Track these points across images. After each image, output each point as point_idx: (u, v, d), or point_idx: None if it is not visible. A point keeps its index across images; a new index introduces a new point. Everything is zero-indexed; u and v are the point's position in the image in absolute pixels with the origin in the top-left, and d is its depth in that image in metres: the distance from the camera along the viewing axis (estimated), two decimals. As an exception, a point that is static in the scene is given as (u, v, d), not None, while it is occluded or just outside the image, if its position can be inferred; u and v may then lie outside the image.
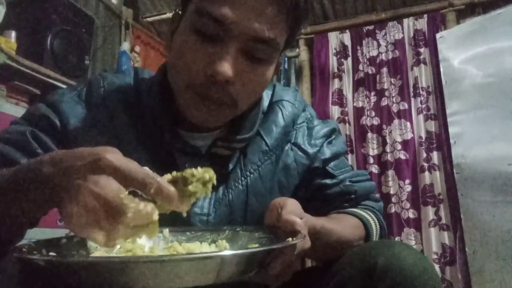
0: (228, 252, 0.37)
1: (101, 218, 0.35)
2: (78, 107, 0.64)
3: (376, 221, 0.70)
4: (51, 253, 0.42)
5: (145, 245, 0.53)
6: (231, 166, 0.64)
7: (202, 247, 0.50)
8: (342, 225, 0.62)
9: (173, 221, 0.60)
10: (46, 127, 0.62)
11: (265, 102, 0.70)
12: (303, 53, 2.99)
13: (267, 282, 0.49)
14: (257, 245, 0.49)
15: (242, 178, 0.65)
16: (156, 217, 0.37)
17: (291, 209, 0.48)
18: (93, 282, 0.36)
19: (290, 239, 0.43)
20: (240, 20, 0.51)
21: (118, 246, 0.51)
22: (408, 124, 2.57)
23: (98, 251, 0.46)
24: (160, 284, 0.35)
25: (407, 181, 2.49)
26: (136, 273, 0.34)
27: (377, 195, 0.77)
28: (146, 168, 0.39)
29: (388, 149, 2.58)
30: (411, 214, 2.44)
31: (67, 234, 0.50)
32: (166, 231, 0.56)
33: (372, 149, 2.66)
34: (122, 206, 0.35)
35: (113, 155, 0.37)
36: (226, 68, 0.52)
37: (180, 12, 0.61)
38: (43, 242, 0.46)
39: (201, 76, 0.54)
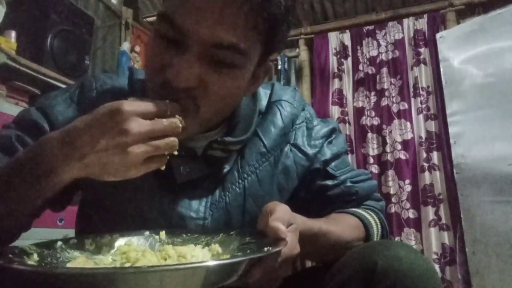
0: (197, 264, 0.38)
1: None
2: (70, 109, 0.64)
3: (377, 221, 0.70)
4: (31, 262, 0.42)
5: (143, 245, 0.53)
6: (227, 168, 0.63)
7: (194, 250, 0.50)
8: (341, 226, 0.62)
9: (168, 227, 0.60)
10: (34, 132, 0.61)
11: (264, 102, 0.69)
12: (303, 53, 2.99)
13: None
14: (239, 253, 0.49)
15: (240, 181, 0.64)
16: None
17: (278, 216, 0.47)
18: None
19: (265, 248, 0.43)
20: (197, 27, 0.50)
21: (115, 248, 0.52)
22: (408, 124, 2.57)
23: (92, 253, 0.47)
24: None
25: (407, 181, 2.49)
26: (111, 285, 0.34)
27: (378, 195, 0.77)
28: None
29: (388, 149, 2.58)
30: (411, 214, 2.44)
31: (65, 236, 0.50)
32: (162, 233, 0.56)
33: (372, 149, 2.65)
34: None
35: (128, 105, 0.45)
36: (182, 75, 0.50)
37: None
38: (38, 246, 0.46)
39: (162, 79, 0.53)
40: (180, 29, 0.51)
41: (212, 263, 0.37)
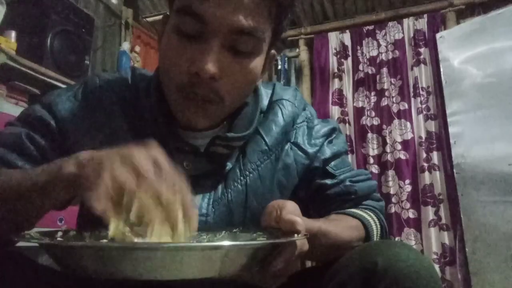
0: (233, 243, 0.38)
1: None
2: (74, 107, 0.64)
3: (377, 221, 0.70)
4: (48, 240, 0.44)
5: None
6: (229, 165, 0.64)
7: None
8: (341, 227, 0.62)
9: None
10: (42, 128, 0.62)
11: (265, 101, 0.70)
12: (303, 53, 2.99)
13: (264, 284, 0.49)
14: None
15: (241, 178, 0.64)
16: (180, 223, 0.40)
17: (291, 210, 0.48)
18: (93, 268, 0.36)
19: (296, 235, 0.44)
20: (219, 14, 0.52)
21: None
22: (408, 124, 2.57)
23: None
24: (162, 274, 0.35)
25: (407, 181, 2.48)
26: (138, 260, 0.34)
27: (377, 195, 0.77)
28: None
29: (388, 149, 2.58)
30: (411, 214, 2.44)
31: (64, 229, 0.51)
32: None
33: (372, 149, 2.65)
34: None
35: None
36: (209, 64, 0.52)
37: (168, 14, 0.61)
38: (41, 234, 0.47)
39: (186, 75, 0.54)
40: (203, 18, 0.52)
41: (239, 243, 0.37)
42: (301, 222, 0.46)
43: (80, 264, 0.37)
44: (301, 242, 0.48)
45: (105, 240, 0.47)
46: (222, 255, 0.36)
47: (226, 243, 0.37)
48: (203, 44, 0.53)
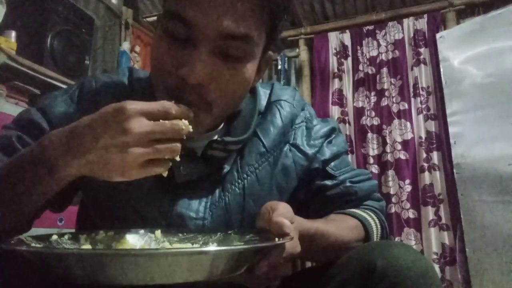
0: (212, 249, 0.38)
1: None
2: (70, 110, 0.64)
3: (377, 221, 0.70)
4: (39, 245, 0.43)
5: (136, 244, 0.53)
6: (227, 168, 0.63)
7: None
8: (340, 227, 0.62)
9: (168, 227, 0.60)
10: (35, 132, 0.62)
11: (263, 102, 0.69)
12: (303, 53, 2.99)
13: (256, 286, 0.49)
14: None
15: (239, 181, 0.63)
16: (186, 131, 0.46)
17: (281, 212, 0.48)
18: (80, 274, 0.36)
19: (276, 239, 0.44)
20: (207, 20, 0.50)
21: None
22: (408, 124, 2.57)
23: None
24: (152, 279, 0.35)
25: (407, 181, 2.48)
26: (124, 266, 0.34)
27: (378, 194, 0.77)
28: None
29: (388, 149, 2.58)
30: (411, 214, 2.44)
31: (59, 232, 0.51)
32: (158, 232, 0.56)
33: (372, 149, 2.65)
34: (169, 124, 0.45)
35: (133, 104, 0.44)
36: (196, 71, 0.51)
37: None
38: (34, 238, 0.46)
39: (174, 79, 0.53)
40: (191, 24, 0.51)
41: (222, 248, 0.37)
42: (289, 224, 0.46)
43: (67, 270, 0.37)
44: (292, 245, 0.47)
45: (88, 246, 0.48)
46: (206, 260, 0.36)
47: (209, 248, 0.38)
48: (191, 49, 0.52)
